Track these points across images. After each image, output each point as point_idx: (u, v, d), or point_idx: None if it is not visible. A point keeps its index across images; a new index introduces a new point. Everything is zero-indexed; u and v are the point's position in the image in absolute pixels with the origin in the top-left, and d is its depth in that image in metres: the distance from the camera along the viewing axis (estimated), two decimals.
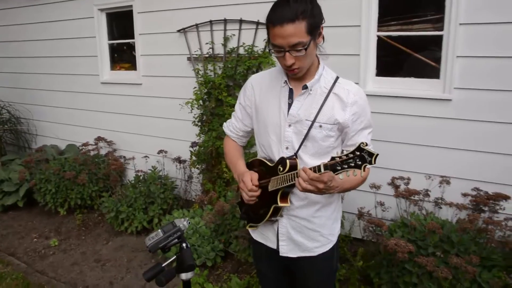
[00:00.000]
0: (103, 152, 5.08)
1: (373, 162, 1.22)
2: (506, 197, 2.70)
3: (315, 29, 1.43)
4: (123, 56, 5.31)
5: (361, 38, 3.30)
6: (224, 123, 1.95)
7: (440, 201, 3.03)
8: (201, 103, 4.13)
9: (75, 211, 4.64)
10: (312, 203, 1.67)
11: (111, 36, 5.15)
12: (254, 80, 1.77)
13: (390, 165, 3.29)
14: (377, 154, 1.22)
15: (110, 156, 4.83)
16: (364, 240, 3.22)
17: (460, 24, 2.99)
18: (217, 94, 3.99)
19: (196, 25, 4.20)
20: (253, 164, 1.78)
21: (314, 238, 1.72)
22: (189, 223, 1.58)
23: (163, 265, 1.52)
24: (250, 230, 1.88)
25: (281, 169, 1.56)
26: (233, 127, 1.88)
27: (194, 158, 4.24)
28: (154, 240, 1.50)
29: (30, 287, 3.35)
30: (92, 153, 4.97)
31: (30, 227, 4.44)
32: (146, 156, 4.65)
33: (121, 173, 4.80)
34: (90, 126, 5.36)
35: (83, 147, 5.08)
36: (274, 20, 1.42)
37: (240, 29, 3.98)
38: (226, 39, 4.06)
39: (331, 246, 1.76)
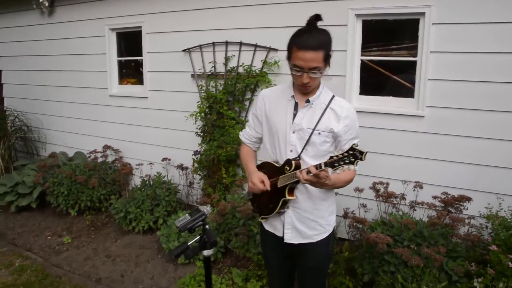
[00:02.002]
0: (109, 159, 5.49)
1: (363, 158, 1.63)
2: (468, 199, 3.20)
3: (328, 57, 1.86)
4: (129, 71, 5.76)
5: (347, 61, 3.81)
6: (240, 132, 2.39)
7: (414, 203, 3.51)
8: (203, 116, 4.59)
9: (84, 212, 5.04)
10: (312, 197, 2.07)
11: (119, 53, 5.61)
12: (265, 94, 2.18)
13: (371, 172, 3.75)
14: (367, 152, 1.63)
15: (118, 162, 5.26)
16: (349, 240, 3.66)
17: (431, 52, 3.51)
18: (218, 108, 4.45)
19: (200, 45, 4.68)
20: (263, 165, 2.18)
21: (313, 227, 2.11)
22: (211, 209, 1.99)
23: (188, 243, 1.92)
24: (262, 221, 2.27)
25: (288, 168, 1.96)
26: (247, 135, 2.31)
27: (196, 165, 4.68)
28: (183, 222, 1.88)
29: (49, 278, 3.72)
30: (99, 160, 5.37)
31: (43, 226, 4.82)
32: (151, 163, 5.08)
33: (127, 178, 5.21)
34: (98, 135, 5.78)
35: (91, 154, 5.49)
36: (299, 45, 1.80)
37: (240, 51, 4.46)
38: (227, 59, 4.54)
39: (327, 235, 2.16)
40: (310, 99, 2.00)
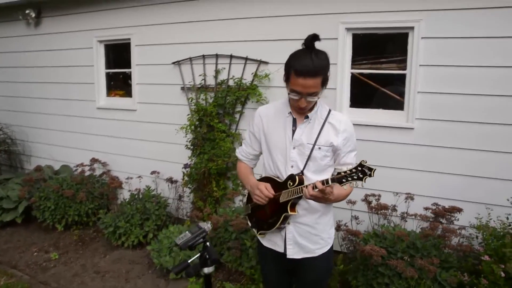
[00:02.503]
0: (97, 172, 5.41)
1: (372, 175, 1.66)
2: (459, 210, 3.24)
3: (326, 81, 1.87)
4: (117, 83, 5.72)
5: (337, 75, 3.85)
6: (237, 149, 2.37)
7: (405, 215, 3.54)
8: (193, 129, 4.57)
9: (71, 227, 4.93)
10: (313, 211, 2.07)
11: (107, 64, 5.56)
12: (262, 112, 2.18)
13: (363, 185, 3.77)
14: (375, 169, 1.66)
15: (106, 175, 5.19)
16: (342, 252, 3.66)
17: (420, 65, 3.58)
18: (208, 121, 4.44)
19: (190, 58, 4.68)
20: (262, 180, 2.16)
21: (315, 241, 2.11)
22: (211, 226, 1.97)
23: (188, 261, 1.88)
24: (259, 237, 2.25)
25: (291, 183, 1.95)
26: (244, 152, 2.30)
27: (186, 178, 4.64)
28: (184, 240, 1.83)
29: None
30: (87, 173, 5.29)
31: (29, 242, 4.70)
32: (140, 177, 5.01)
33: (115, 192, 5.13)
34: (84, 148, 5.70)
35: (78, 167, 5.40)
36: (298, 71, 1.79)
37: (230, 63, 4.47)
38: (217, 72, 4.54)
39: (328, 248, 2.16)
40: (309, 115, 2.01)
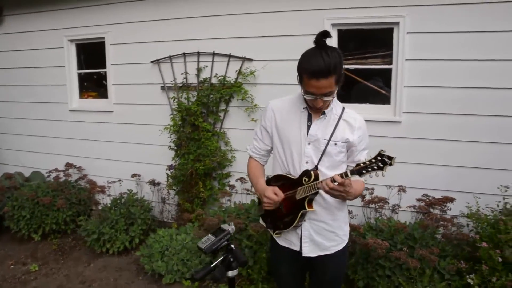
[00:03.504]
0: (72, 178, 5.15)
1: (392, 163, 1.64)
2: (452, 200, 3.33)
3: (340, 78, 1.81)
4: (90, 84, 5.48)
5: None
6: (247, 146, 2.29)
7: (397, 207, 3.60)
8: (177, 129, 4.45)
9: (49, 236, 4.67)
10: (329, 207, 2.04)
11: (79, 65, 5.32)
12: (274, 105, 2.12)
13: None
14: (395, 157, 1.65)
15: (82, 180, 4.96)
16: None
17: (406, 59, 3.65)
18: (193, 120, 4.33)
19: (170, 56, 4.55)
20: (277, 178, 2.11)
21: (331, 238, 2.08)
22: (234, 227, 1.89)
23: (212, 265, 1.77)
24: (275, 237, 2.19)
25: (306, 179, 1.91)
26: (255, 148, 2.23)
27: (170, 180, 4.51)
28: (209, 243, 1.76)
29: None
30: (62, 179, 5.03)
31: (3, 255, 4.40)
32: (120, 180, 4.82)
33: (94, 197, 4.92)
34: (57, 153, 5.42)
35: (50, 173, 5.13)
36: (310, 73, 1.74)
37: (213, 61, 4.39)
38: (199, 70, 4.45)
39: (344, 245, 2.14)
40: (325, 111, 1.98)
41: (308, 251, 2.08)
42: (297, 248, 2.11)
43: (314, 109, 1.95)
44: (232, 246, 1.84)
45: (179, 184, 4.47)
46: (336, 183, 1.76)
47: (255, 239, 3.42)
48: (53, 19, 5.16)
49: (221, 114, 4.42)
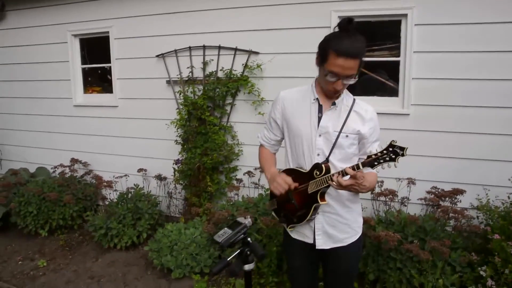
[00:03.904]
0: (78, 173, 5.14)
1: (405, 154, 1.62)
2: (462, 192, 3.32)
3: (362, 64, 1.80)
4: (94, 79, 5.46)
5: None
6: (258, 133, 2.27)
7: (406, 200, 3.59)
8: (184, 123, 4.43)
9: (55, 232, 4.67)
10: (342, 199, 2.02)
11: (83, 60, 5.28)
12: (284, 96, 2.09)
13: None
14: (407, 148, 1.63)
15: (88, 176, 4.96)
16: None
17: (414, 51, 3.63)
18: (199, 114, 4.31)
19: (175, 50, 4.52)
20: (287, 173, 2.04)
21: (344, 230, 2.06)
22: (250, 221, 1.87)
23: (228, 259, 1.74)
24: (289, 230, 2.17)
25: (318, 173, 1.88)
26: (265, 137, 2.22)
27: (177, 174, 4.50)
28: (225, 237, 1.74)
29: None
30: (67, 174, 5.02)
31: (10, 251, 4.40)
32: (126, 175, 4.81)
33: (101, 192, 4.90)
34: (62, 148, 5.40)
35: (56, 168, 5.12)
36: (339, 51, 1.70)
37: (219, 54, 4.36)
38: (205, 63, 4.42)
39: (358, 237, 2.11)
40: (336, 101, 1.95)
41: (322, 243, 2.06)
42: (310, 241, 2.09)
43: (332, 93, 1.90)
44: (249, 239, 1.82)
45: (186, 178, 4.46)
46: (348, 177, 1.75)
47: (265, 233, 3.41)
48: (56, 14, 5.13)
49: (228, 108, 4.40)
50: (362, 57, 1.77)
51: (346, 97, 2.00)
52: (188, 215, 4.36)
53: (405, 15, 3.62)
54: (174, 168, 4.52)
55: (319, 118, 1.97)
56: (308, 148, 1.99)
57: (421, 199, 3.52)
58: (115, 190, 4.70)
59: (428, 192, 3.52)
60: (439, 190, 3.51)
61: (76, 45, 5.18)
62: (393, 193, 3.45)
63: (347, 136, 1.94)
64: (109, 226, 4.15)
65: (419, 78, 3.67)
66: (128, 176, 4.83)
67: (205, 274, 3.63)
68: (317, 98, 1.98)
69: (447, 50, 3.55)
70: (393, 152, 1.64)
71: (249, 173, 4.23)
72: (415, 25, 3.59)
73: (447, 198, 3.37)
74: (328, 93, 1.93)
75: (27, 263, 4.13)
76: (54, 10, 5.13)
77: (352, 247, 2.10)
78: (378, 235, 2.94)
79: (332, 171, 1.85)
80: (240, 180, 4.31)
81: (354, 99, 2.01)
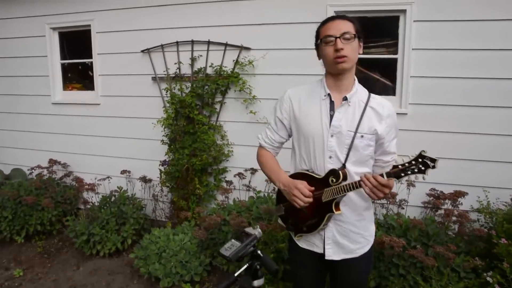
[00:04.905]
0: (57, 175, 4.85)
1: (436, 166, 1.47)
2: (464, 194, 3.20)
3: (359, 32, 1.72)
4: (74, 76, 5.17)
5: None
6: (259, 135, 2.06)
7: (404, 202, 3.46)
8: (171, 122, 4.20)
9: (33, 238, 4.37)
10: (356, 207, 1.85)
11: (62, 55, 4.99)
12: (292, 94, 1.91)
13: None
14: (438, 160, 1.46)
15: (67, 177, 4.68)
16: None
17: (413, 49, 3.50)
18: (187, 112, 4.10)
19: (162, 45, 4.29)
20: (295, 177, 1.88)
21: (356, 240, 1.88)
22: (260, 232, 1.67)
23: (235, 274, 1.55)
24: (296, 239, 1.99)
25: (334, 180, 1.71)
26: (268, 139, 2.01)
27: (164, 176, 4.27)
28: (234, 250, 1.55)
29: None
30: (45, 176, 4.72)
31: None
32: (108, 177, 4.55)
33: (81, 195, 4.62)
34: (39, 148, 5.10)
35: (33, 170, 4.83)
36: (326, 20, 1.76)
37: (208, 50, 4.15)
38: (193, 59, 4.20)
39: (369, 247, 1.94)
40: (347, 96, 1.77)
41: (332, 254, 1.89)
42: (320, 251, 1.91)
43: (336, 67, 1.73)
44: (259, 252, 1.63)
45: (173, 180, 4.23)
46: (377, 183, 1.61)
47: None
48: (33, 5, 4.82)
49: (217, 106, 4.19)
50: (354, 23, 1.75)
51: (360, 90, 1.83)
52: (175, 219, 4.15)
53: (404, 11, 3.50)
54: (160, 170, 4.29)
55: (331, 116, 1.79)
56: (319, 149, 1.81)
57: (424, 202, 3.40)
58: (97, 193, 4.44)
59: (428, 195, 3.39)
60: (438, 192, 3.39)
61: (55, 39, 4.88)
62: (392, 195, 3.31)
63: (362, 136, 1.77)
64: (91, 232, 3.89)
65: (417, 76, 3.55)
66: (111, 178, 4.56)
67: (196, 283, 3.42)
68: (328, 94, 1.80)
69: (447, 47, 3.44)
70: (422, 164, 1.49)
71: (239, 174, 4.04)
72: (414, 21, 3.47)
73: (446, 200, 3.25)
74: (333, 67, 1.75)
75: (1, 273, 3.82)
76: (31, 1, 4.82)
77: (364, 258, 1.93)
78: (381, 241, 2.79)
79: (348, 176, 1.69)
80: (230, 182, 4.11)
81: (369, 94, 1.84)
